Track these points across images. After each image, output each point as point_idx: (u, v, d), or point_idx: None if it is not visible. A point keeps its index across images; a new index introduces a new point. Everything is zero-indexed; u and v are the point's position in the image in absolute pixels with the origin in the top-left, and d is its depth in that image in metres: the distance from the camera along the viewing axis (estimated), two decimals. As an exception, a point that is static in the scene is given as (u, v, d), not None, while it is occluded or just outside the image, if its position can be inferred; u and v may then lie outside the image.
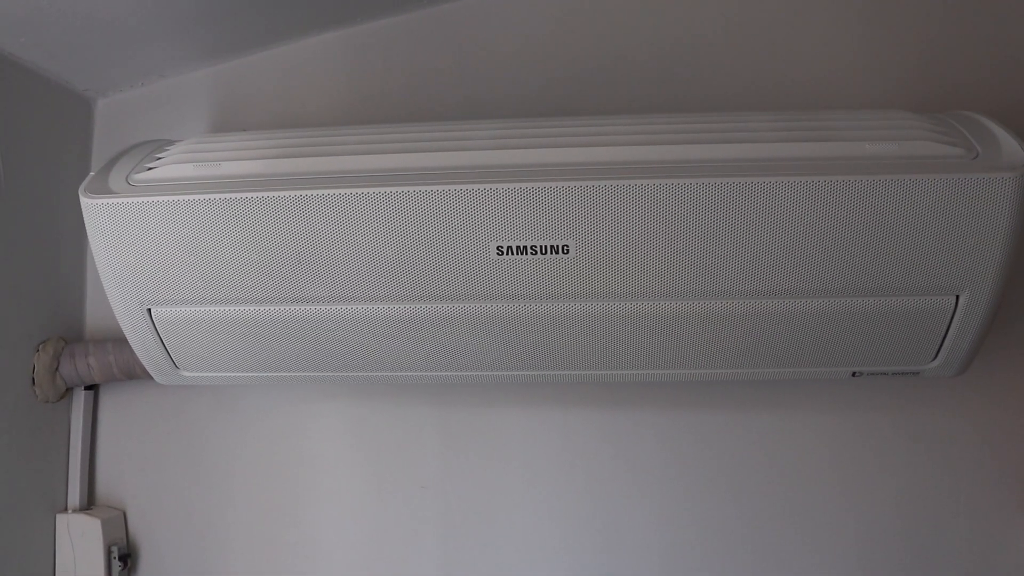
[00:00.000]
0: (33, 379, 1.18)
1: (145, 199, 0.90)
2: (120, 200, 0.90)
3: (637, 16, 1.22)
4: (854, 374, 0.99)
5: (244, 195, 0.88)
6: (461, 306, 0.92)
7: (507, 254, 0.87)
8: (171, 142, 1.05)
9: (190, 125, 1.28)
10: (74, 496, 1.24)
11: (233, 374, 1.05)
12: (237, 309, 0.95)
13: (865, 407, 1.15)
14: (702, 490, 1.17)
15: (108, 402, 1.29)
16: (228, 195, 0.88)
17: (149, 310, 0.97)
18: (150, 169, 0.95)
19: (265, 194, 0.88)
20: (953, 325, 0.91)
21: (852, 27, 1.18)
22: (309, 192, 0.87)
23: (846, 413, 1.15)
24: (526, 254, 0.87)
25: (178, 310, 0.96)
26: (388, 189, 0.86)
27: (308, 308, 0.94)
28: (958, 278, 0.87)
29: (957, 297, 0.88)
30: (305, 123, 1.25)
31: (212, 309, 0.95)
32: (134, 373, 1.19)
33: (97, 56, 1.21)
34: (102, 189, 0.92)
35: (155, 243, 0.91)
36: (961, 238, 0.84)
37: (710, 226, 0.85)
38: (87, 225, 0.92)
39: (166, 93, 1.31)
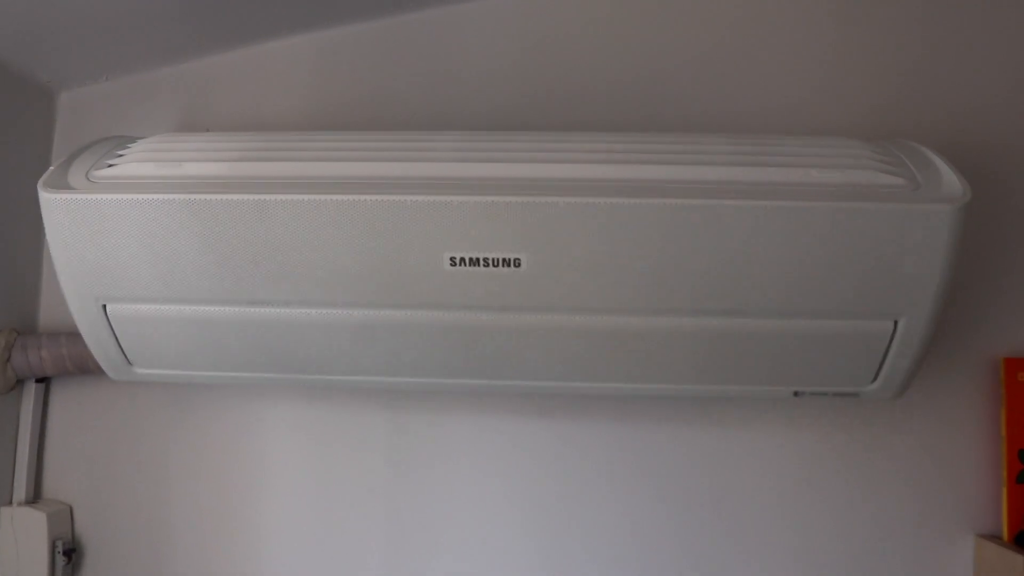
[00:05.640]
0: (-17, 370, 1.17)
1: (104, 196, 0.89)
2: (79, 196, 0.90)
3: (608, 38, 1.24)
4: (796, 394, 1.01)
5: (203, 197, 0.88)
6: (414, 314, 0.93)
7: (460, 265, 0.88)
8: (134, 139, 1.04)
9: (154, 122, 1.28)
10: (20, 489, 1.23)
11: (187, 372, 1.05)
12: (193, 309, 0.95)
13: (803, 426, 1.18)
14: (641, 505, 1.18)
15: (59, 395, 1.29)
16: (188, 196, 0.88)
17: (104, 306, 0.97)
18: (111, 166, 0.95)
19: (224, 197, 0.88)
20: (892, 349, 0.93)
21: (817, 56, 1.21)
22: (268, 197, 0.87)
23: (787, 432, 1.18)
24: (478, 266, 0.88)
25: (133, 307, 0.96)
26: (345, 197, 0.87)
27: (264, 311, 0.95)
28: (897, 304, 0.89)
29: (896, 322, 0.91)
30: (270, 125, 1.25)
31: (168, 308, 0.96)
32: (87, 367, 1.18)
33: (62, 48, 1.21)
34: (61, 184, 0.92)
35: (113, 240, 0.91)
36: (900, 265, 0.86)
37: (657, 245, 0.86)
38: (45, 220, 0.92)
39: (131, 89, 1.31)
